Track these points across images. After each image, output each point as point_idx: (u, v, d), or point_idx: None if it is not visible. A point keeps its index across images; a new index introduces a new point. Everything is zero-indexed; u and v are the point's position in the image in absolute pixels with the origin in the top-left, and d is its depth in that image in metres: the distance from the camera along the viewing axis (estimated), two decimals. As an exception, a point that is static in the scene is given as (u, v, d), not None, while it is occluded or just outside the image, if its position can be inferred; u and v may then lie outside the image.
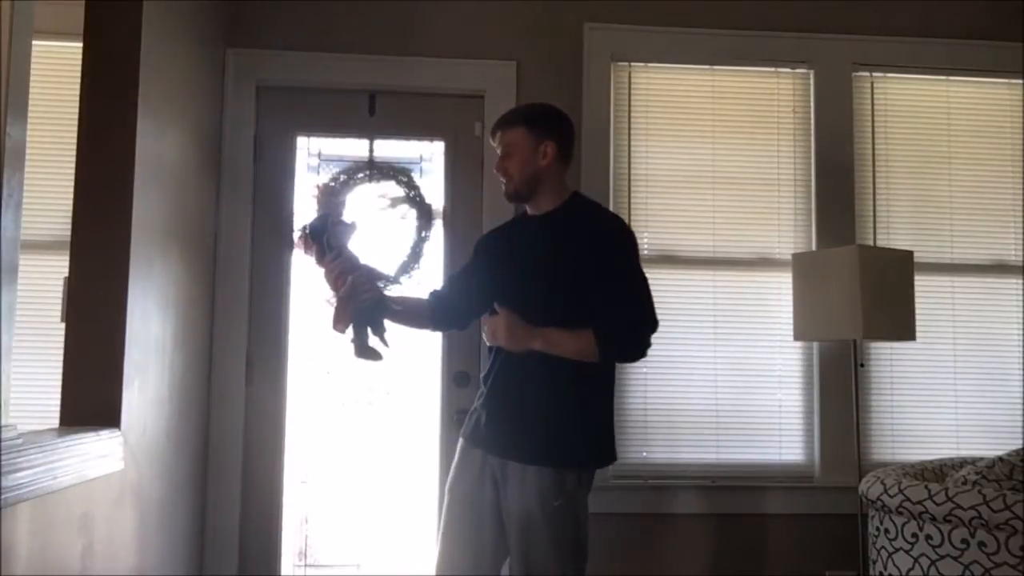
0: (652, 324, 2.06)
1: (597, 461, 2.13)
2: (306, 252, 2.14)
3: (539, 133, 2.12)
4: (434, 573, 2.17)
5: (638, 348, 2.07)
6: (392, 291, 2.85)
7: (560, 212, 2.14)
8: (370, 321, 2.11)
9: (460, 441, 2.22)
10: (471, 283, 2.28)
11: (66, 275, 2.07)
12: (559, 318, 2.04)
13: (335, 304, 2.10)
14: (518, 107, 2.25)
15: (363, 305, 2.08)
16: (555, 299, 2.05)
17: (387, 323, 2.15)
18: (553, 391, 2.04)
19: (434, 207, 3.00)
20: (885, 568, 2.10)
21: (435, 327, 2.32)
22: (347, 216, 2.15)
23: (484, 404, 2.15)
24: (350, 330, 2.12)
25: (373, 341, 2.11)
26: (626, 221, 2.16)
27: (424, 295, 2.36)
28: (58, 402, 2.04)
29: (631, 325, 2.04)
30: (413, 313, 2.27)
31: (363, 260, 2.15)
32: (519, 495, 2.03)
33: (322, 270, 2.11)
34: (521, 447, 2.04)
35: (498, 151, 2.17)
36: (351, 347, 2.12)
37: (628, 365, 2.94)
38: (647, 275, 2.09)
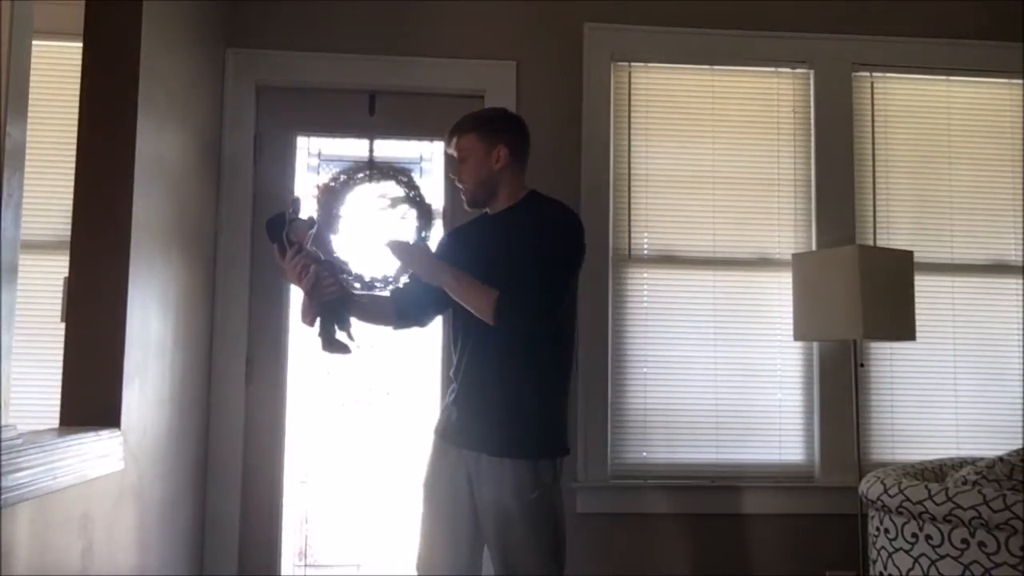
0: (547, 309, 2.03)
1: (564, 450, 2.13)
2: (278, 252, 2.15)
3: (490, 138, 2.15)
4: (415, 572, 2.17)
5: (528, 324, 2.03)
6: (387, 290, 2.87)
7: (514, 208, 2.18)
8: (335, 315, 2.12)
9: (433, 438, 2.22)
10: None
11: (66, 275, 2.07)
12: None
13: (304, 298, 2.10)
14: (470, 113, 2.24)
15: (327, 299, 2.09)
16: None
17: (357, 320, 2.17)
18: (521, 381, 2.06)
19: (434, 207, 3.00)
20: (885, 568, 2.10)
21: (398, 324, 2.30)
22: (304, 213, 2.16)
23: (457, 400, 2.16)
24: (318, 323, 2.13)
25: (340, 335, 2.12)
26: (580, 218, 2.15)
27: (387, 293, 2.37)
28: (58, 402, 2.04)
29: (530, 301, 2.01)
30: (377, 309, 2.28)
31: (332, 255, 2.16)
32: (495, 489, 2.03)
33: (285, 268, 2.11)
34: (494, 439, 2.05)
35: (454, 156, 2.19)
36: (319, 341, 2.13)
37: (627, 364, 2.97)
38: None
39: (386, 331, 2.34)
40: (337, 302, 2.12)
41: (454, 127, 2.19)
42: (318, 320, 2.12)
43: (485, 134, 2.15)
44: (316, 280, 2.06)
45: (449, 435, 2.16)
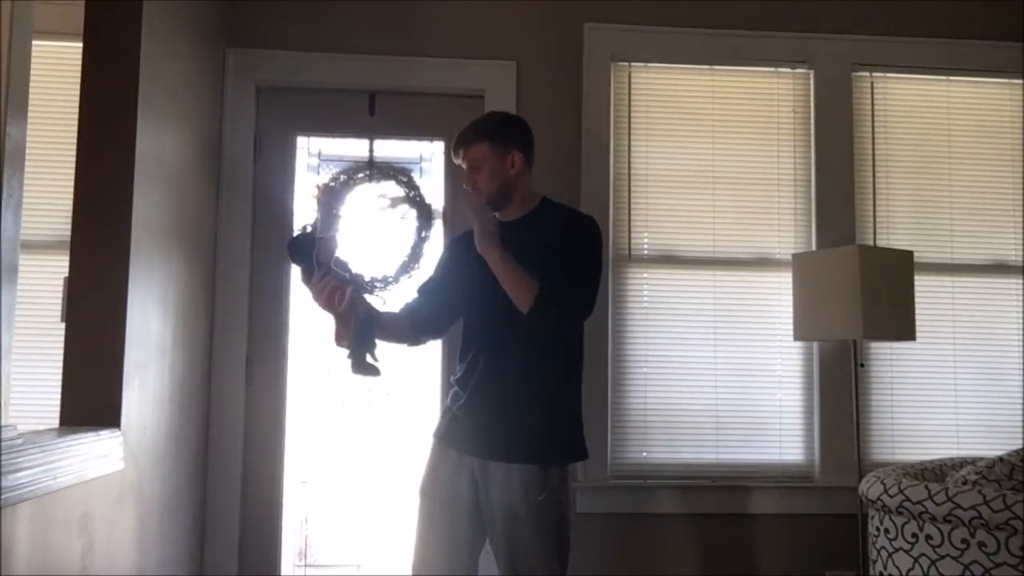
0: (584, 308, 2.07)
1: (579, 455, 2.17)
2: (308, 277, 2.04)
3: (505, 145, 2.13)
4: (411, 574, 2.17)
5: (564, 321, 2.08)
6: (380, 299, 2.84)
7: (534, 216, 2.17)
8: (365, 336, 2.05)
9: (433, 442, 2.21)
10: (444, 289, 2.26)
11: (66, 275, 2.07)
12: None
13: (336, 321, 2.03)
14: (477, 122, 2.20)
15: (361, 319, 2.03)
16: None
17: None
18: (538, 391, 2.07)
19: (434, 207, 3.00)
20: (885, 568, 2.10)
21: (415, 340, 2.28)
22: (327, 229, 2.10)
23: (467, 407, 2.13)
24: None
25: (369, 357, 2.05)
26: (598, 222, 2.16)
27: (396, 310, 2.30)
28: (58, 402, 2.04)
29: (567, 300, 2.04)
30: (397, 327, 2.23)
31: (348, 269, 2.09)
32: (504, 492, 2.04)
33: (310, 290, 2.01)
34: (509, 449, 2.05)
35: (463, 166, 2.17)
36: (349, 363, 2.04)
37: (627, 364, 2.97)
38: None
39: (401, 348, 2.28)
40: (365, 323, 2.06)
41: (461, 138, 2.16)
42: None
43: (498, 142, 2.13)
44: (352, 303, 2.01)
45: (452, 439, 2.15)
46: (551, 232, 2.11)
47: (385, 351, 2.10)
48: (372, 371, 2.06)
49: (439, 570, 2.12)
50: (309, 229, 2.04)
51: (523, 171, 2.16)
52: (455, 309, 2.24)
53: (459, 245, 2.32)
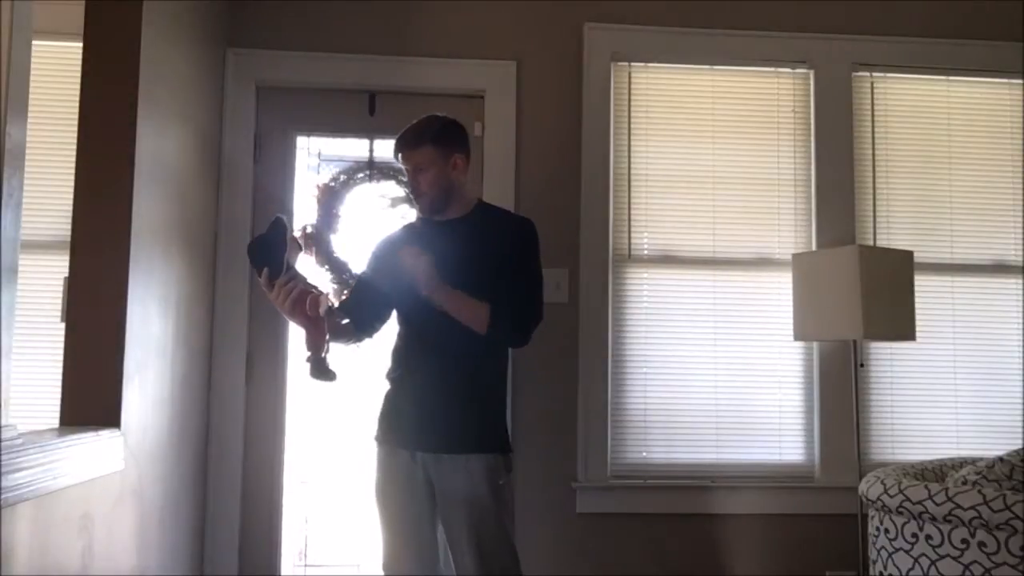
0: (538, 318, 2.19)
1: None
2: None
3: (449, 148, 2.20)
4: (383, 573, 2.22)
5: (521, 336, 2.19)
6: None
7: (473, 216, 2.25)
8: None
9: (377, 446, 2.24)
10: (376, 288, 2.27)
11: (66, 275, 2.07)
12: None
13: (306, 326, 2.00)
14: (421, 125, 2.21)
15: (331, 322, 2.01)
16: (478, 296, 2.12)
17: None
18: (482, 382, 2.16)
19: (434, 207, 3.00)
20: (885, 568, 2.10)
21: (352, 340, 2.30)
22: (326, 228, 2.09)
23: (411, 405, 2.18)
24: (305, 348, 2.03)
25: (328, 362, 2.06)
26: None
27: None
28: (58, 402, 2.04)
29: (523, 315, 2.16)
30: (342, 328, 2.25)
31: (332, 255, 2.08)
32: (466, 482, 2.09)
33: (274, 293, 1.99)
34: (467, 441, 2.11)
35: (405, 168, 2.22)
36: (308, 368, 2.05)
37: (627, 364, 2.97)
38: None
39: (344, 349, 2.27)
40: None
41: (404, 142, 2.20)
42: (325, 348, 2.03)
43: (442, 146, 2.19)
44: (329, 309, 1.99)
45: (399, 440, 2.18)
46: (493, 234, 2.20)
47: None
48: (331, 375, 2.06)
49: (410, 569, 2.16)
50: (306, 227, 2.04)
51: (463, 173, 2.24)
52: (389, 303, 2.28)
53: (388, 245, 2.33)
